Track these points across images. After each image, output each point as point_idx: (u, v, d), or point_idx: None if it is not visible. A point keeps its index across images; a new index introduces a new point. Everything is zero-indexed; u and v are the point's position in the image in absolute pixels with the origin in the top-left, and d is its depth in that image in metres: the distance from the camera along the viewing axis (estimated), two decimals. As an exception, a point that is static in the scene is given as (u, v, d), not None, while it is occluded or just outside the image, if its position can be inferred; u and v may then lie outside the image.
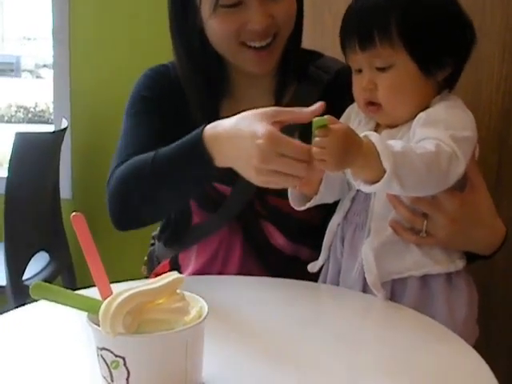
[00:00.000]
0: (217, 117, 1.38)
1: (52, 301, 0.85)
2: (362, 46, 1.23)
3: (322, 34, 1.88)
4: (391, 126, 1.26)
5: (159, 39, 1.47)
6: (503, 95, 1.63)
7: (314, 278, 1.38)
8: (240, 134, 1.15)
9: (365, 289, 1.26)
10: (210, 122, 1.26)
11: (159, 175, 1.29)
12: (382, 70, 1.23)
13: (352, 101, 1.31)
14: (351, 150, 1.07)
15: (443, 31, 1.22)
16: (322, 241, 1.35)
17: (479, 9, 1.54)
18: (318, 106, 1.16)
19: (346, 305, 1.24)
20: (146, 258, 1.67)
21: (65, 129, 2.76)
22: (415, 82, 1.23)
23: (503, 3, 1.60)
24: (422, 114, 1.20)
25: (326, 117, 1.08)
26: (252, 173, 1.14)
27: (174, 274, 0.87)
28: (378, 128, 1.30)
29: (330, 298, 1.29)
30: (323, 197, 1.29)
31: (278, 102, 1.47)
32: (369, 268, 1.23)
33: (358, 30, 1.23)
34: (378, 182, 1.09)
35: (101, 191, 1.49)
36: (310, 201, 1.30)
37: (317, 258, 1.37)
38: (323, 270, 1.36)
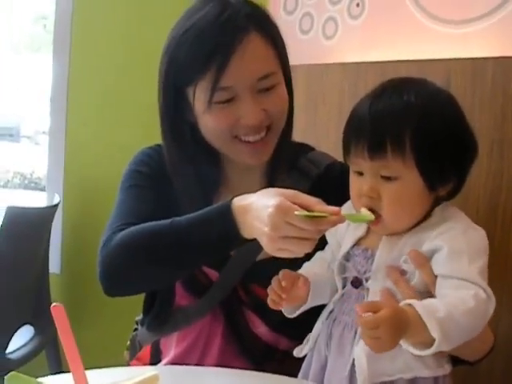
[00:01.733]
0: (206, 206, 1.39)
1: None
2: (372, 155, 1.20)
3: (314, 125, 1.92)
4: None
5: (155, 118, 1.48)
6: (491, 191, 1.64)
7: (292, 367, 1.37)
8: (257, 206, 1.22)
9: None
10: (197, 210, 1.29)
11: (180, 240, 1.31)
12: (387, 179, 1.21)
13: (339, 198, 1.32)
14: (401, 328, 1.08)
15: (453, 150, 1.22)
16: (302, 332, 1.35)
17: (468, 106, 1.57)
18: (337, 210, 1.19)
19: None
20: (128, 343, 1.65)
21: (57, 204, 2.76)
22: (420, 195, 1.22)
23: (491, 102, 1.64)
24: (440, 244, 1.18)
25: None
26: (265, 240, 1.20)
27: (150, 371, 0.86)
28: (367, 234, 1.30)
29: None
30: (312, 304, 1.31)
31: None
32: (361, 370, 1.20)
33: (370, 137, 1.20)
34: (427, 347, 1.10)
35: (90, 267, 1.48)
36: (299, 309, 1.31)
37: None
38: (305, 362, 1.35)
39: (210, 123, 1.38)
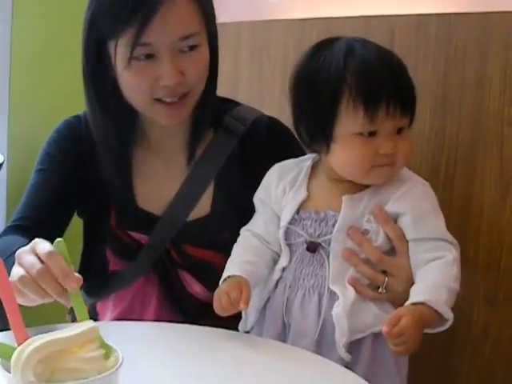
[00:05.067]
0: (128, 165, 1.39)
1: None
2: (404, 109, 1.23)
3: (259, 81, 1.91)
4: (345, 191, 1.28)
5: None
6: (433, 148, 1.66)
7: (230, 323, 1.37)
8: None
9: (317, 351, 1.25)
10: (120, 171, 1.37)
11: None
12: (400, 131, 1.24)
13: (268, 152, 1.32)
14: (422, 326, 1.15)
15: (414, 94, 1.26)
16: None
17: (412, 63, 1.57)
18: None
19: (268, 355, 1.22)
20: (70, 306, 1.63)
21: (1, 164, 2.71)
22: None
23: (435, 58, 1.64)
24: (404, 208, 1.25)
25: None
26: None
27: (89, 323, 0.86)
28: (310, 196, 1.31)
29: (251, 347, 1.26)
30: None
31: (190, 154, 1.49)
32: (343, 330, 1.22)
33: (402, 92, 1.23)
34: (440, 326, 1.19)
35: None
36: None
37: None
38: (255, 331, 1.35)
39: (129, 81, 1.37)
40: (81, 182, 1.48)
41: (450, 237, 1.25)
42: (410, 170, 1.32)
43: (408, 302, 1.18)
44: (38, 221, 1.46)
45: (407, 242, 1.26)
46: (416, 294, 1.18)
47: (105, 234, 1.50)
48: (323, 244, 1.27)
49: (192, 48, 1.37)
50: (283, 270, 1.31)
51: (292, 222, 1.30)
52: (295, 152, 1.43)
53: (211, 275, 1.44)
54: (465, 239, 1.53)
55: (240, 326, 1.34)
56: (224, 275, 1.29)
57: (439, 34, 1.64)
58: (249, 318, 1.34)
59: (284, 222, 1.31)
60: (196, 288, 1.49)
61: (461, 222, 1.59)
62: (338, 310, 1.23)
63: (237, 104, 1.58)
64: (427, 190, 1.29)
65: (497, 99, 1.53)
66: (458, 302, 1.22)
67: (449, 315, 1.17)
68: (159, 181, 1.51)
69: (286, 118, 1.59)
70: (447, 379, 1.68)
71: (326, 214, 1.28)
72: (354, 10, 1.81)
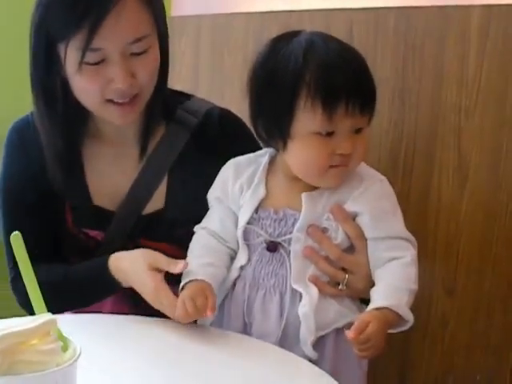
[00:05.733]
0: (79, 163, 1.40)
1: None
2: (364, 109, 1.21)
3: (220, 74, 1.91)
4: (304, 189, 1.27)
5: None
6: (392, 140, 1.68)
7: None
8: (133, 277, 1.32)
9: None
10: (70, 170, 1.43)
11: (72, 293, 1.43)
12: (358, 131, 1.22)
13: (220, 145, 1.31)
14: (386, 330, 1.16)
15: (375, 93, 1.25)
16: None
17: (370, 56, 1.58)
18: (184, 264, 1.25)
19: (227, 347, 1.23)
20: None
21: None
22: None
23: (393, 51, 1.66)
24: (362, 208, 1.24)
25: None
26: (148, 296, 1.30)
27: (47, 315, 0.86)
28: (268, 195, 1.29)
29: (211, 338, 1.26)
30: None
31: (142, 149, 1.49)
32: (310, 328, 1.23)
33: (363, 93, 1.21)
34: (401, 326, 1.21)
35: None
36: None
37: None
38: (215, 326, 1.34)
39: (80, 84, 1.36)
40: (41, 188, 1.47)
41: (408, 235, 1.26)
42: (368, 166, 1.31)
43: (371, 307, 1.18)
44: (38, 247, 1.45)
45: (366, 240, 1.26)
46: (378, 298, 1.19)
47: (62, 233, 1.50)
48: (283, 243, 1.27)
49: (143, 52, 1.36)
50: (241, 268, 1.30)
51: (250, 221, 1.29)
52: (248, 143, 1.42)
53: None
54: (423, 230, 1.55)
55: (199, 322, 1.32)
56: (184, 278, 1.27)
57: (397, 27, 1.66)
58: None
59: (242, 223, 1.29)
60: None
61: (419, 212, 1.61)
62: (305, 309, 1.23)
63: (189, 97, 1.58)
64: (385, 187, 1.28)
65: (454, 91, 1.56)
66: (417, 292, 1.24)
67: (410, 317, 1.19)
68: (112, 176, 1.50)
69: (246, 111, 1.59)
70: (407, 367, 1.71)
71: (285, 214, 1.27)
72: (313, 4, 1.82)
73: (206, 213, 1.38)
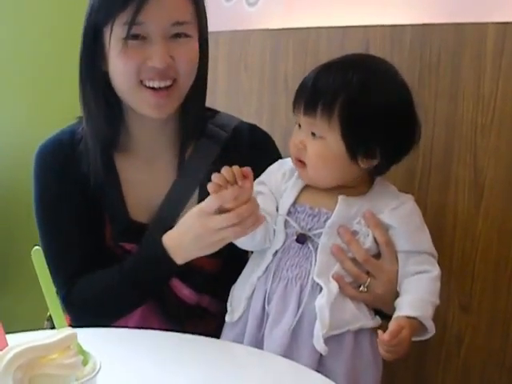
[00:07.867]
0: (114, 169, 1.40)
1: None
2: (305, 112, 1.30)
3: (236, 91, 1.91)
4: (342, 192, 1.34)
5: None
6: (408, 158, 1.67)
7: (213, 323, 1.42)
8: (186, 228, 1.34)
9: (292, 342, 1.29)
10: (108, 175, 1.43)
11: (132, 287, 1.42)
12: (314, 135, 1.31)
13: (252, 157, 1.34)
14: (412, 337, 1.24)
15: (382, 131, 1.29)
16: (224, 289, 1.40)
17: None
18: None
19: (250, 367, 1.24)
20: (48, 313, 1.63)
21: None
22: (340, 159, 1.31)
23: (409, 69, 1.66)
24: (396, 222, 1.32)
25: None
26: (201, 245, 1.31)
27: (68, 330, 0.86)
28: (307, 189, 1.37)
29: (237, 357, 1.28)
30: (243, 242, 1.35)
31: (181, 156, 1.51)
32: (324, 322, 1.26)
33: (306, 96, 1.31)
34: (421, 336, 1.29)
35: (12, 229, 1.46)
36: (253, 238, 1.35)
37: (216, 305, 1.46)
38: (241, 322, 1.37)
39: (121, 64, 1.38)
40: (83, 201, 1.49)
41: (434, 251, 1.34)
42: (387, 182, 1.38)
43: (401, 314, 1.25)
44: (87, 263, 1.49)
45: (394, 247, 1.32)
46: (409, 308, 1.26)
47: (100, 247, 1.51)
48: (313, 237, 1.32)
49: (183, 36, 1.39)
50: (275, 254, 1.34)
51: (288, 213, 1.35)
52: (276, 157, 1.50)
53: (199, 278, 1.48)
54: (439, 247, 1.54)
55: (227, 318, 1.37)
56: None
57: (413, 43, 1.66)
58: (236, 308, 1.37)
59: (284, 210, 1.35)
60: (184, 291, 1.50)
61: (435, 229, 1.60)
62: (322, 301, 1.27)
63: (216, 112, 1.60)
64: (416, 206, 1.36)
65: (470, 108, 1.56)
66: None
67: (433, 329, 1.27)
68: (147, 188, 1.52)
69: (262, 126, 1.61)
70: (422, 383, 1.70)
71: (320, 211, 1.33)
72: (330, 21, 1.83)
73: None
